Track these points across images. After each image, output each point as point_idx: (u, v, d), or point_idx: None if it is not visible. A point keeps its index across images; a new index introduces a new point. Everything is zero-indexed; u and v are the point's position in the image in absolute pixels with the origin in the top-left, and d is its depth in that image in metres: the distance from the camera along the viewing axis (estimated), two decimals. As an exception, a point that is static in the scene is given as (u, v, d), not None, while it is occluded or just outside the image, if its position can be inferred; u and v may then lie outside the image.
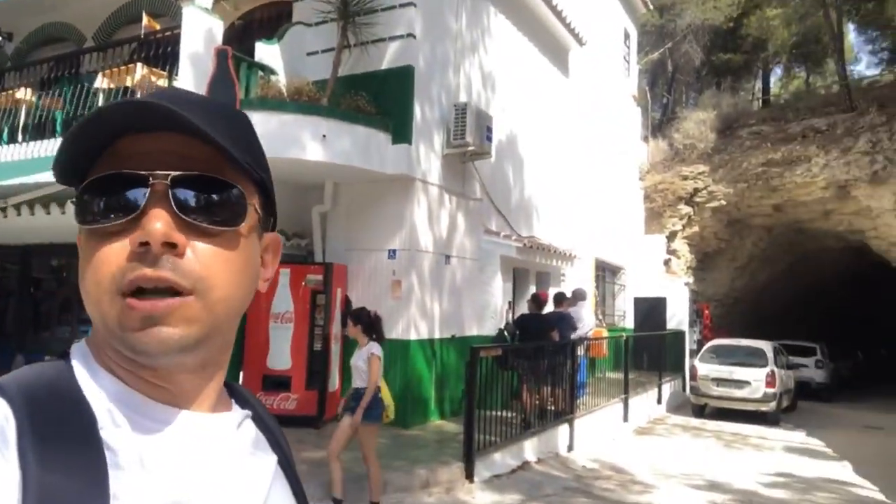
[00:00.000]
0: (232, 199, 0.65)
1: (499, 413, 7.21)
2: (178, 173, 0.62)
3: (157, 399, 0.65)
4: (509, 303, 10.26)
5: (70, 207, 7.19)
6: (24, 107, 8.78)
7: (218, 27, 7.73)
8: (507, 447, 7.25)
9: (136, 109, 0.61)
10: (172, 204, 0.61)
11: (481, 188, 9.76)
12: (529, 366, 8.17)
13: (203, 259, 0.62)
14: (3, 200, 7.43)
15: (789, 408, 14.01)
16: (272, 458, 0.74)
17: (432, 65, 8.79)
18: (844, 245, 19.22)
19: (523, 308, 10.19)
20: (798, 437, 11.56)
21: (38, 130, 8.60)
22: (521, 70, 11.15)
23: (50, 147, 8.22)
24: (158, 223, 0.59)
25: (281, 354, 7.75)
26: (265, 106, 7.53)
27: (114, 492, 0.57)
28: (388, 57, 8.52)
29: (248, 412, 0.75)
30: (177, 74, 7.49)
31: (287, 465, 0.78)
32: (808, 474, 8.59)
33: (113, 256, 0.61)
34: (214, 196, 0.64)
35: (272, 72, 8.45)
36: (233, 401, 0.76)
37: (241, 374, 7.71)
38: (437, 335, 8.63)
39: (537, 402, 8.26)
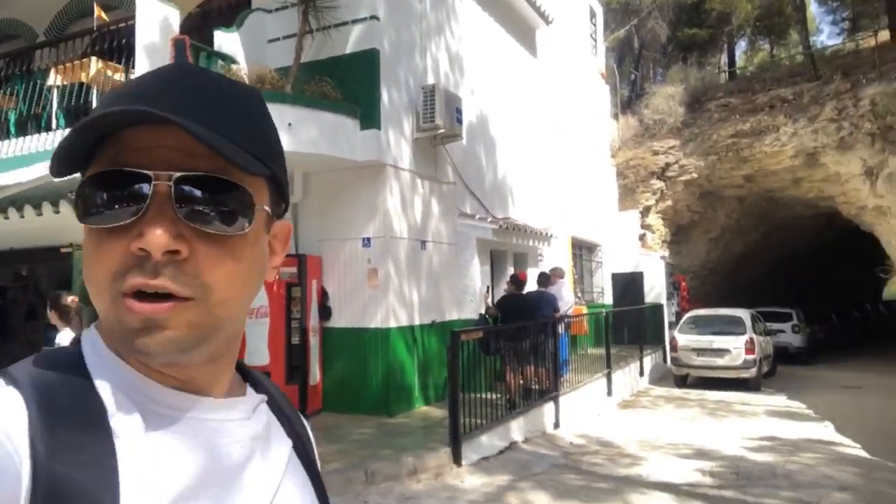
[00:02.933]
0: (239, 202, 0.62)
1: (483, 395, 7.16)
2: (181, 174, 0.59)
3: (166, 384, 0.63)
4: (487, 287, 10.19)
5: (28, 211, 6.95)
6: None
7: (174, 16, 7.50)
8: (494, 429, 7.20)
9: (142, 114, 0.58)
10: (175, 207, 0.58)
11: (454, 171, 9.65)
12: (512, 346, 8.12)
13: (206, 265, 0.60)
14: (-44, 205, 7.16)
15: (769, 373, 14.21)
16: (287, 444, 0.73)
17: (398, 47, 8.63)
18: (815, 212, 19.50)
19: (502, 291, 10.15)
20: (780, 401, 11.71)
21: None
22: (489, 51, 11.04)
23: (4, 149, 7.94)
24: (160, 230, 0.57)
25: (258, 350, 7.59)
26: (228, 96, 7.33)
27: (124, 480, 0.56)
28: (352, 41, 8.35)
29: (263, 397, 0.73)
30: (133, 67, 7.26)
31: (303, 451, 0.76)
32: (792, 436, 8.69)
33: (113, 256, 0.59)
34: (220, 198, 0.61)
35: (233, 60, 8.25)
36: (247, 385, 0.75)
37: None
38: (417, 322, 8.54)
39: (521, 382, 8.22)
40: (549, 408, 8.58)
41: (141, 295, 0.58)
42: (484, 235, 9.68)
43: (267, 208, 0.67)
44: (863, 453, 7.83)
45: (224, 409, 0.67)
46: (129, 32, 7.45)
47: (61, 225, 6.89)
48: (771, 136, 16.61)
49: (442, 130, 8.67)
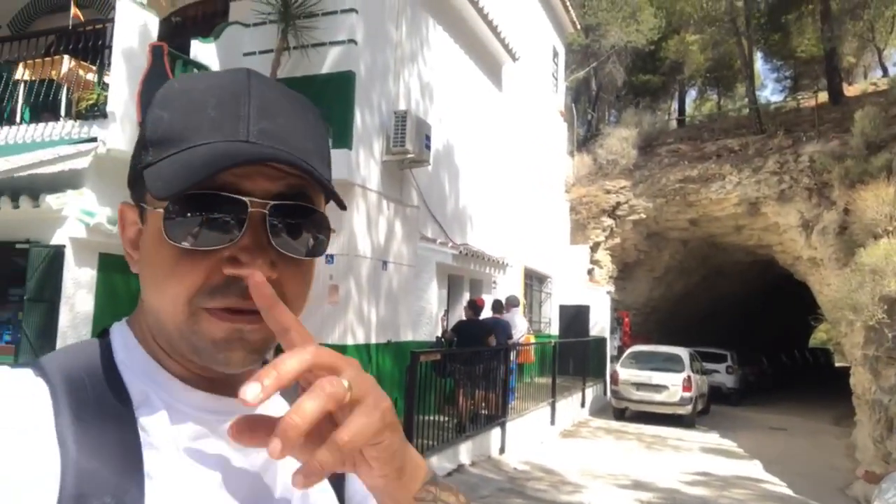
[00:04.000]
0: (319, 227, 0.64)
1: (433, 417, 7.30)
2: (275, 203, 0.60)
3: (194, 385, 0.65)
4: (444, 311, 10.38)
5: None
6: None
7: (153, 22, 7.51)
8: (443, 451, 7.34)
9: (248, 157, 0.59)
10: (270, 237, 0.60)
11: (418, 195, 9.85)
12: (465, 371, 8.30)
13: (289, 287, 0.62)
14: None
15: (703, 411, 14.77)
16: None
17: (373, 72, 8.83)
18: (753, 259, 20.44)
19: (458, 316, 10.34)
20: (713, 439, 12.21)
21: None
22: (458, 82, 11.36)
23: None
24: (260, 261, 0.59)
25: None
26: (202, 105, 7.37)
27: (148, 471, 0.57)
28: (329, 62, 8.50)
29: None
30: (108, 69, 7.23)
31: None
32: (724, 472, 9.11)
33: (201, 272, 0.60)
34: (306, 224, 0.63)
35: (208, 70, 8.28)
36: None
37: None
38: (373, 340, 8.63)
39: (472, 407, 8.39)
40: (496, 433, 8.77)
41: (228, 309, 0.60)
42: (443, 260, 9.88)
43: (335, 229, 0.68)
44: (788, 491, 8.29)
45: (251, 410, 0.70)
46: (103, 34, 7.43)
47: (20, 219, 6.78)
48: (717, 183, 17.42)
49: (411, 155, 8.88)
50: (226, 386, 0.66)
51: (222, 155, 0.58)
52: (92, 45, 7.68)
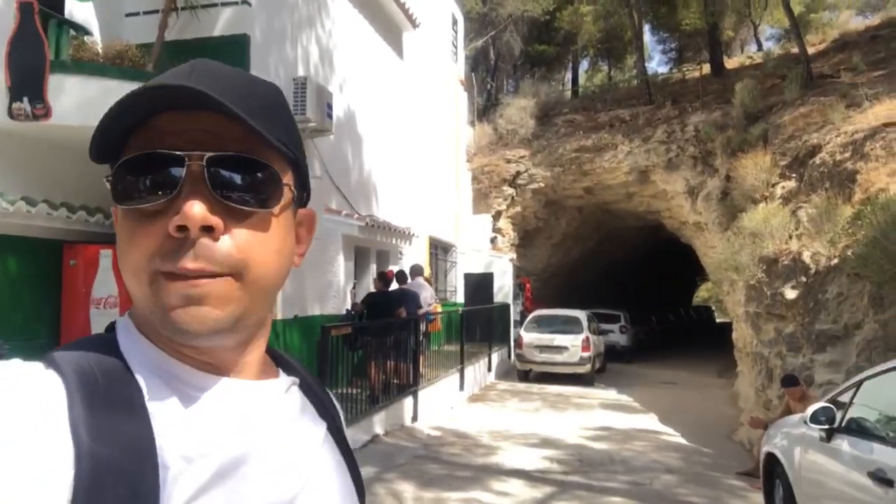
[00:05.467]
0: (267, 180, 0.64)
1: (346, 390, 7.24)
2: (213, 154, 0.61)
3: (199, 368, 0.65)
4: (354, 285, 10.25)
5: None
6: None
7: (21, -23, 6.81)
8: (358, 423, 7.31)
9: (173, 92, 0.60)
10: (209, 185, 0.61)
11: (321, 166, 9.59)
12: (377, 342, 8.26)
13: (239, 241, 0.62)
14: None
15: (600, 369, 15.52)
16: (321, 425, 0.75)
17: (269, 35, 8.45)
18: (643, 224, 21.50)
19: (366, 288, 10.25)
20: (611, 395, 12.87)
21: None
22: (358, 48, 11.08)
23: None
24: (196, 206, 0.59)
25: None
26: (82, 70, 6.81)
27: (162, 460, 0.57)
28: (221, 24, 8.06)
29: (294, 379, 0.75)
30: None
31: (337, 432, 0.78)
32: (624, 426, 9.63)
33: (151, 237, 0.61)
34: (250, 177, 0.63)
35: (86, 31, 7.64)
36: (279, 369, 0.76)
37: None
38: (279, 316, 8.40)
39: (383, 377, 8.39)
40: (408, 402, 8.82)
41: (179, 276, 0.60)
42: (350, 232, 9.73)
43: (292, 189, 0.69)
44: (682, 441, 8.88)
45: (256, 391, 0.68)
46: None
47: None
48: (609, 153, 18.10)
49: (313, 124, 8.60)
50: (228, 368, 0.67)
51: (140, 97, 0.60)
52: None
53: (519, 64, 28.91)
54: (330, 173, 9.84)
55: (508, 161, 19.07)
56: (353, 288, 10.19)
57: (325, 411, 0.78)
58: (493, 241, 18.18)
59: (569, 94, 25.86)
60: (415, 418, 8.83)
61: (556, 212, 20.20)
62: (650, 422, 10.21)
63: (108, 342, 0.65)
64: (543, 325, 14.56)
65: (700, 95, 18.03)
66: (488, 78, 26.99)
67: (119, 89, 6.72)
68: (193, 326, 0.60)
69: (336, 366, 7.08)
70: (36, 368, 0.60)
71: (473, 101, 21.91)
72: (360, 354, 8.35)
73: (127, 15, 8.18)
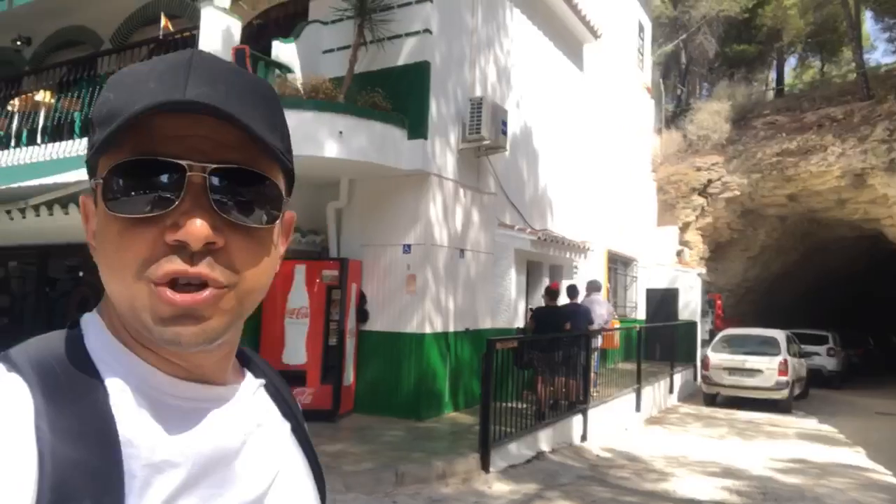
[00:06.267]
0: (268, 195, 0.64)
1: (513, 405, 7.34)
2: (217, 165, 0.60)
3: (169, 373, 0.64)
4: (531, 309, 10.21)
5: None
6: (42, 109, 8.99)
7: (236, 26, 7.88)
8: (522, 438, 7.39)
9: (181, 104, 0.58)
10: (210, 199, 0.59)
11: (495, 182, 9.86)
12: (544, 357, 8.29)
13: (239, 256, 0.62)
14: (23, 201, 7.61)
15: (801, 395, 14.08)
16: (286, 426, 0.76)
17: (448, 60, 8.88)
18: (858, 234, 19.16)
19: (538, 302, 10.31)
20: (810, 424, 11.64)
21: (57, 132, 8.79)
22: (536, 64, 11.23)
23: (69, 148, 8.41)
24: (198, 222, 0.58)
25: (296, 349, 7.87)
26: (283, 104, 7.60)
27: (128, 467, 0.57)
28: (404, 53, 8.61)
29: (261, 382, 0.75)
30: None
31: (301, 432, 0.79)
32: (822, 460, 8.68)
33: (142, 244, 0.59)
34: (252, 191, 0.62)
35: (289, 70, 8.59)
36: (245, 370, 0.76)
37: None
38: (451, 328, 8.77)
39: (551, 392, 8.38)
40: (577, 420, 8.73)
41: (173, 283, 0.59)
42: (522, 246, 9.86)
43: (286, 198, 0.68)
44: (895, 480, 7.81)
45: (225, 396, 0.68)
46: (192, 42, 7.83)
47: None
48: (818, 155, 16.42)
49: (487, 142, 8.89)
50: (200, 374, 0.66)
51: (143, 106, 0.57)
52: (181, 52, 8.10)
53: (715, 66, 27.19)
54: (504, 188, 10.07)
55: (699, 169, 18.05)
56: (531, 310, 10.22)
57: (288, 410, 0.78)
58: (679, 254, 17.29)
59: (770, 94, 23.80)
60: (584, 438, 8.71)
61: (754, 222, 18.69)
62: (856, 457, 9.09)
63: (73, 341, 0.64)
64: (735, 345, 13.55)
65: (932, 87, 15.72)
66: (679, 83, 25.71)
67: (312, 120, 7.53)
68: (186, 338, 0.59)
69: (502, 379, 7.22)
70: None
71: (661, 108, 21.04)
72: (530, 373, 8.40)
73: (324, 52, 9.06)
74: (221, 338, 0.63)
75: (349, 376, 8.19)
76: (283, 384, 0.82)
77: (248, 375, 0.75)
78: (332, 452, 6.29)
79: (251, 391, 0.72)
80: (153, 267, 0.58)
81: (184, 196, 0.58)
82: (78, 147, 8.34)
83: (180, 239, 0.57)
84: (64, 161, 8.19)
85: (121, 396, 0.60)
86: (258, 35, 9.16)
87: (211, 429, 0.64)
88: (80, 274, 9.25)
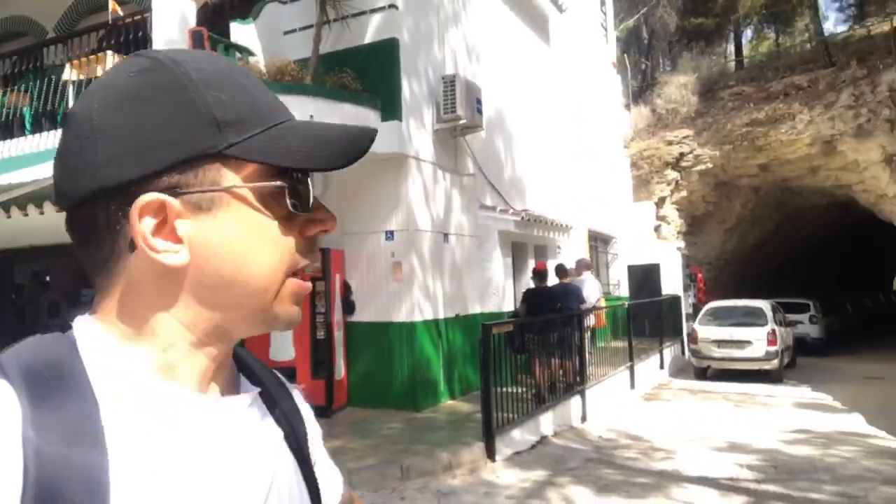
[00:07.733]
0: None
1: (510, 390, 7.02)
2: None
3: (172, 381, 0.63)
4: (524, 292, 9.92)
5: (49, 207, 6.80)
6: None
7: (190, 8, 7.34)
8: (525, 423, 7.07)
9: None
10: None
11: (474, 163, 9.49)
12: (540, 340, 7.97)
13: None
14: (-30, 204, 7.00)
15: (790, 364, 14.02)
16: (278, 434, 0.73)
17: (416, 37, 8.47)
18: (831, 201, 19.30)
19: (525, 284, 9.99)
20: (804, 393, 11.54)
21: (5, 129, 8.15)
22: (504, 40, 10.87)
23: (19, 146, 7.80)
24: (330, 212, 0.67)
25: (283, 345, 7.48)
26: (247, 88, 7.19)
27: (115, 479, 0.54)
28: (371, 30, 8.20)
29: (256, 392, 0.72)
30: (151, 60, 7.11)
31: (293, 439, 0.76)
32: (824, 428, 8.52)
33: (296, 237, 0.64)
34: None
35: (250, 52, 8.11)
36: (241, 374, 0.74)
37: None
38: (441, 315, 8.40)
39: (548, 373, 8.07)
40: (575, 401, 8.44)
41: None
42: (506, 228, 9.53)
43: None
44: (900, 445, 7.67)
45: (222, 405, 0.66)
46: (143, 25, 7.31)
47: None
48: (786, 124, 16.41)
49: (463, 121, 8.52)
50: (200, 382, 0.65)
51: (352, 135, 0.65)
52: (133, 37, 7.57)
53: (675, 40, 27.23)
54: (483, 169, 9.71)
55: (670, 143, 17.95)
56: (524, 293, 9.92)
57: (282, 417, 0.75)
58: (657, 229, 17.17)
59: (732, 66, 23.87)
60: (584, 418, 8.42)
61: (728, 193, 18.66)
62: (856, 423, 8.95)
63: (66, 346, 0.60)
64: (721, 317, 13.41)
65: (893, 50, 15.78)
66: (642, 58, 25.66)
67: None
68: (298, 318, 0.67)
69: (500, 364, 6.87)
70: None
71: (627, 83, 20.90)
72: (525, 356, 8.09)
73: (285, 32, 8.59)
74: None
75: (340, 370, 7.84)
76: (279, 388, 0.79)
77: (244, 383, 0.73)
78: (332, 449, 5.70)
79: (246, 404, 0.69)
80: (300, 258, 0.64)
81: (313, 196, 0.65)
82: (30, 144, 7.73)
83: (328, 229, 0.67)
84: (15, 160, 7.56)
85: (113, 403, 0.58)
86: (213, 17, 8.62)
87: (204, 439, 0.62)
88: (48, 279, 8.65)
